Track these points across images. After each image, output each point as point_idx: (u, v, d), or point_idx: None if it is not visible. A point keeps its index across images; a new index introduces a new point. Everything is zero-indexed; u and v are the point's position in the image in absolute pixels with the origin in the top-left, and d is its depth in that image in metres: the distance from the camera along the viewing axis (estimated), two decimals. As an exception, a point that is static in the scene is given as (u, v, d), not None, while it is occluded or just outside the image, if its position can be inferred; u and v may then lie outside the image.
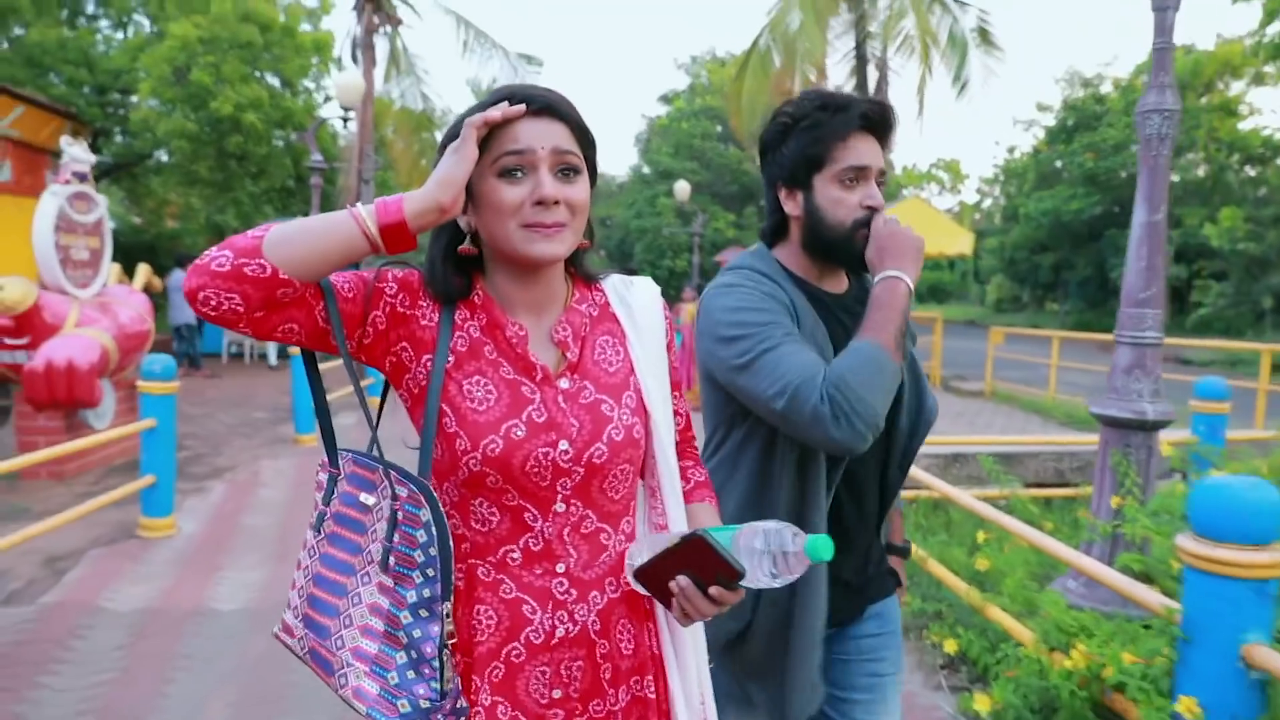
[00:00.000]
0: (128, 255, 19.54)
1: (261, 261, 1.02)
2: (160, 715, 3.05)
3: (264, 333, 1.08)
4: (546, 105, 1.13)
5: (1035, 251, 36.68)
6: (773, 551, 1.06)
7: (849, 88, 13.39)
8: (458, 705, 1.08)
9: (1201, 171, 30.63)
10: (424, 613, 1.07)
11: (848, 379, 1.33)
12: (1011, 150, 45.21)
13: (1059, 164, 34.31)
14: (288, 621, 1.22)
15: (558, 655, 1.15)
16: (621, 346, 1.25)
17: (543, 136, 1.12)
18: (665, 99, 39.23)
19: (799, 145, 1.50)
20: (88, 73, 15.87)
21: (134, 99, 16.72)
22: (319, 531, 1.20)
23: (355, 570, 1.14)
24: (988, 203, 46.24)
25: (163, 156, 17.33)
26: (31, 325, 6.02)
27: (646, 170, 37.77)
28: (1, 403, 6.57)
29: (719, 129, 33.25)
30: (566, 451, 1.14)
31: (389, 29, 13.36)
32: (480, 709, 1.11)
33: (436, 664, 1.06)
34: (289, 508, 5.86)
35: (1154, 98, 3.41)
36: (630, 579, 1.17)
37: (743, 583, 1.08)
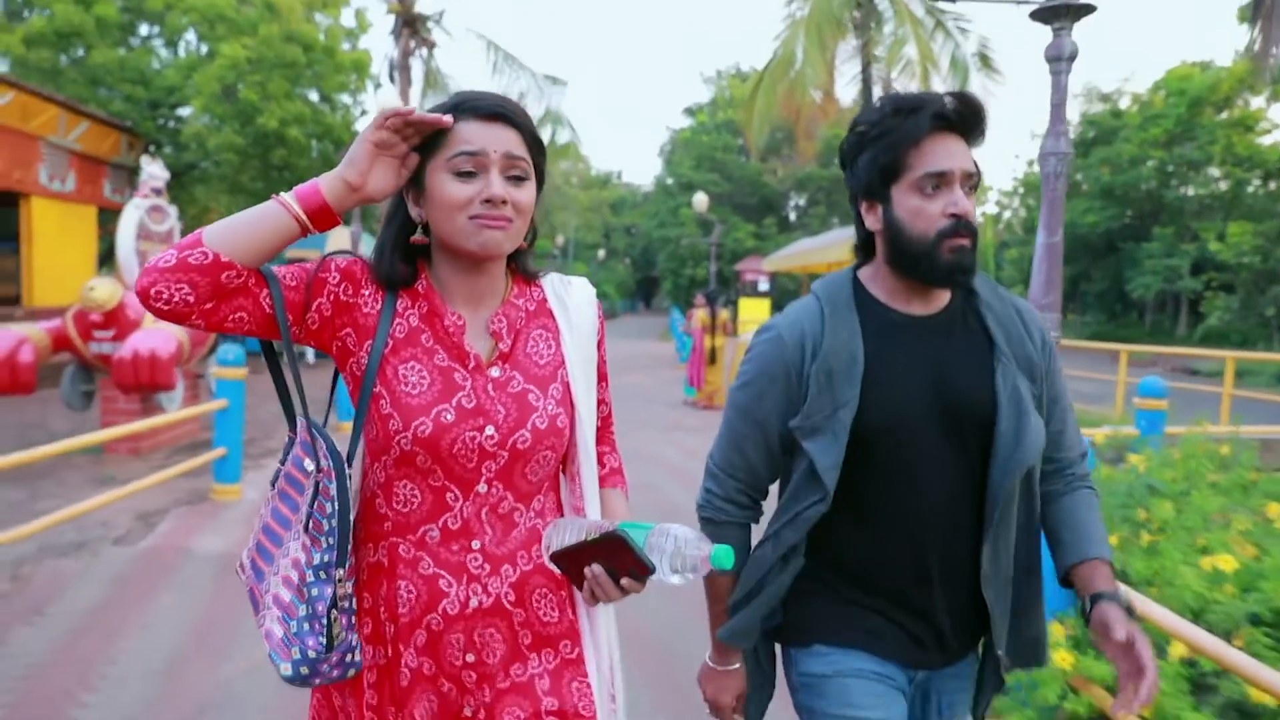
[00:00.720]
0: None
1: (203, 249, 1.11)
2: (246, 620, 3.92)
3: (215, 323, 1.16)
4: (502, 112, 1.21)
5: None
6: (683, 554, 1.13)
7: (858, 109, 14.16)
8: (345, 659, 1.19)
9: (1224, 186, 30.82)
10: (322, 575, 1.16)
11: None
12: (1030, 164, 45.69)
13: (1079, 177, 34.62)
14: (243, 560, 1.34)
15: (471, 623, 1.23)
16: (554, 341, 1.32)
17: (496, 141, 1.19)
18: (690, 111, 40.12)
19: (873, 155, 1.41)
20: (143, 89, 17.00)
21: (183, 112, 17.90)
22: (273, 487, 1.31)
23: (291, 525, 1.24)
24: (1007, 215, 46.55)
25: (207, 166, 18.44)
26: (117, 320, 6.96)
27: (670, 181, 38.65)
28: (87, 389, 7.52)
29: (739, 142, 34.05)
30: (492, 436, 1.21)
31: (424, 52, 14.30)
32: (407, 669, 1.22)
33: (325, 621, 1.15)
34: (336, 482, 6.74)
35: (1051, 143, 4.19)
36: (546, 559, 1.23)
37: (650, 578, 1.15)
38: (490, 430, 1.21)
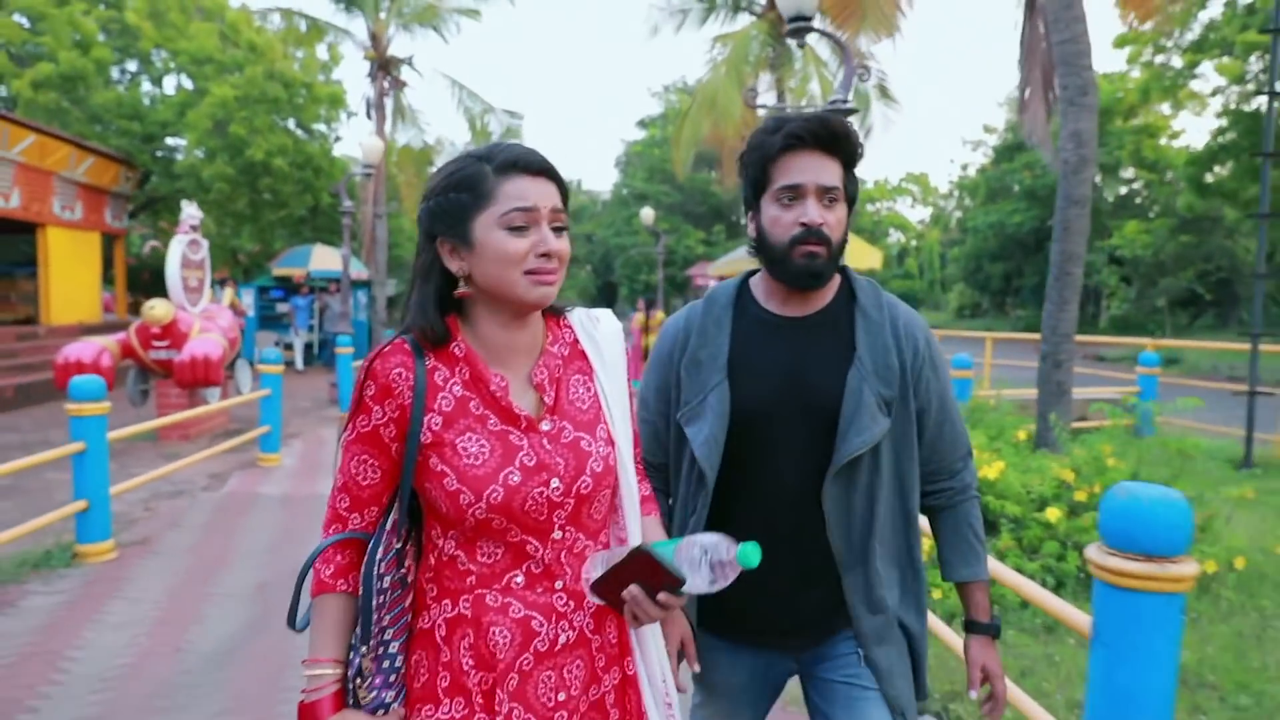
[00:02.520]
0: (158, 278, 22.51)
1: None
2: (312, 533, 5.87)
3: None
4: (546, 169, 1.25)
5: (989, 261, 39.37)
6: (710, 560, 1.16)
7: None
8: (376, 714, 1.26)
9: (1136, 187, 33.34)
10: (353, 646, 1.28)
11: None
12: (965, 167, 48.54)
13: (1012, 180, 36.70)
14: None
15: (560, 660, 1.27)
16: (591, 383, 1.36)
17: (544, 197, 1.23)
18: (643, 124, 42.11)
19: (748, 169, 1.55)
20: (138, 124, 18.70)
21: (172, 142, 19.64)
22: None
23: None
24: (958, 215, 49.14)
25: (197, 194, 20.18)
26: (170, 333, 8.83)
27: (625, 191, 40.63)
28: (143, 388, 9.36)
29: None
30: (558, 488, 1.25)
31: (397, 91, 16.22)
32: (501, 716, 1.22)
33: (350, 686, 1.27)
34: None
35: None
36: (587, 591, 1.26)
37: (685, 589, 1.18)
38: (555, 483, 1.24)
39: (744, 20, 16.53)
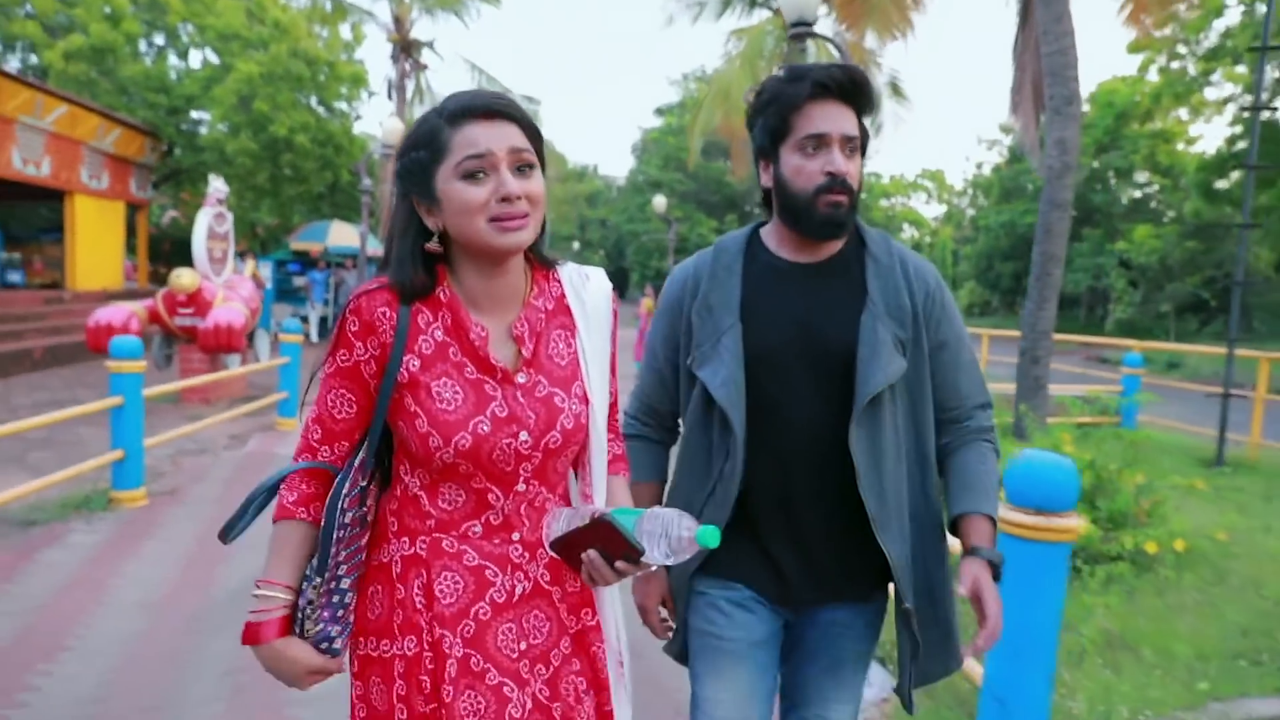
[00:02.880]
0: (177, 247, 23.04)
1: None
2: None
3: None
4: (498, 108, 1.22)
5: (1000, 260, 39.42)
6: (670, 536, 1.17)
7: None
8: (319, 647, 1.28)
9: (1151, 191, 33.33)
10: (305, 577, 1.29)
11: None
12: (980, 166, 48.58)
13: (1025, 180, 36.68)
14: None
15: (520, 610, 1.29)
16: (572, 340, 1.35)
17: (499, 138, 1.20)
18: (660, 111, 42.33)
19: (765, 118, 1.53)
20: (165, 97, 19.13)
21: (195, 115, 20.07)
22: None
23: None
24: (971, 213, 49.15)
25: (220, 166, 20.62)
26: (196, 301, 9.25)
27: (640, 178, 40.90)
28: (167, 352, 9.80)
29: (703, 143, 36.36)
30: (526, 441, 1.26)
31: (418, 73, 16.59)
32: (454, 659, 1.23)
33: (299, 616, 1.28)
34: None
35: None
36: (546, 546, 1.29)
37: (643, 560, 1.19)
38: (524, 436, 1.26)
39: (760, 15, 16.81)
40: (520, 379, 1.29)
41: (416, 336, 1.26)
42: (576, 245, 56.70)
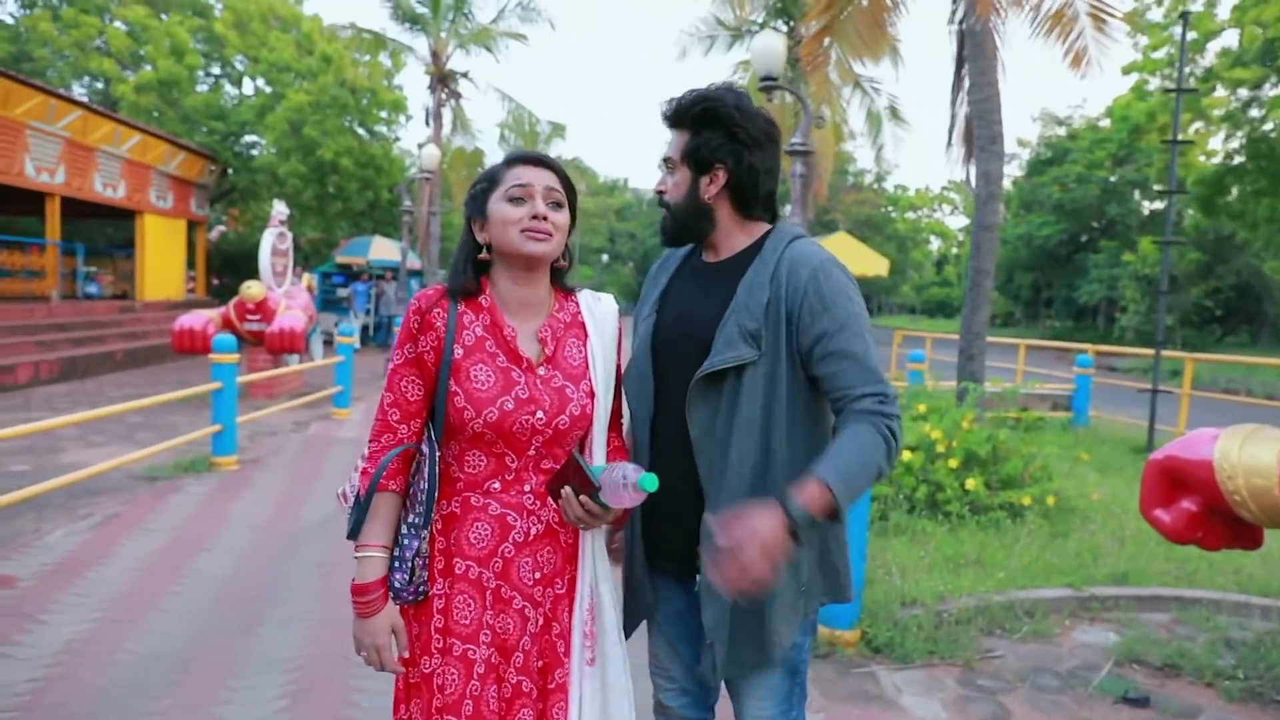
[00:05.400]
0: (227, 260, 24.81)
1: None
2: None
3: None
4: (542, 160, 1.61)
5: (1020, 271, 39.89)
6: (625, 483, 1.42)
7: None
8: (418, 589, 1.56)
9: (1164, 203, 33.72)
10: (413, 530, 1.57)
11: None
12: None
13: (1043, 193, 36.99)
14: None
15: (535, 547, 1.59)
16: (584, 347, 1.65)
17: (539, 178, 1.57)
18: (685, 128, 43.39)
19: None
20: (222, 124, 20.86)
21: (248, 139, 21.79)
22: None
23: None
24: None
25: (271, 186, 22.33)
26: (262, 309, 10.73)
27: (665, 193, 41.89)
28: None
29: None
30: (541, 418, 1.55)
31: (454, 102, 18.10)
32: (489, 590, 1.56)
33: (409, 564, 1.55)
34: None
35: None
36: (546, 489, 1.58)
37: (601, 497, 1.45)
38: (540, 415, 1.55)
39: (768, 45, 18.03)
40: (541, 371, 1.59)
41: (461, 331, 1.57)
42: (605, 258, 57.86)
